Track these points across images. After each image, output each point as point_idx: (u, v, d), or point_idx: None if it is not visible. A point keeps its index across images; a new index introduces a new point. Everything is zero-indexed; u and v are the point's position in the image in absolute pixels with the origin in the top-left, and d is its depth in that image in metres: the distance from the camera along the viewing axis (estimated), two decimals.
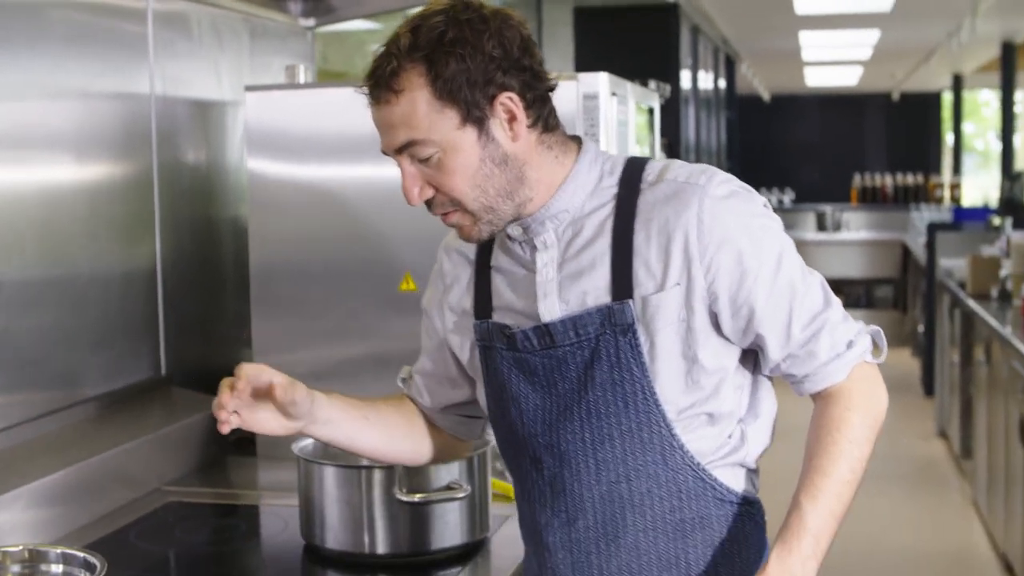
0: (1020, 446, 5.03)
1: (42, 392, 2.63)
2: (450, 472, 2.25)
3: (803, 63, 14.33)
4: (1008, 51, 14.04)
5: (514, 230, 1.91)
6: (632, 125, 3.19)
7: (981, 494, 6.39)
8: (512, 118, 1.82)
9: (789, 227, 2.37)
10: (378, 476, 2.23)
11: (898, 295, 14.14)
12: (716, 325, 1.86)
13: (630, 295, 1.84)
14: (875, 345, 1.94)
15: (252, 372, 1.88)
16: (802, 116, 17.57)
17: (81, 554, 2.00)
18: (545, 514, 1.95)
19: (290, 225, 2.99)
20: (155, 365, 3.01)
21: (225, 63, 3.36)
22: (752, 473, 1.96)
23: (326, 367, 2.97)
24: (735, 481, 1.92)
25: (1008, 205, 10.22)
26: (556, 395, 1.90)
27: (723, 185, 1.85)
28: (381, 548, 2.28)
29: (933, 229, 8.77)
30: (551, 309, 1.88)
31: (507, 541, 2.39)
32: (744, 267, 1.82)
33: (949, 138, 19.92)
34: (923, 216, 12.64)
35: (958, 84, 18.89)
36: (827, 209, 15.01)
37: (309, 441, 2.37)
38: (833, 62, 14.69)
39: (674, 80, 8.38)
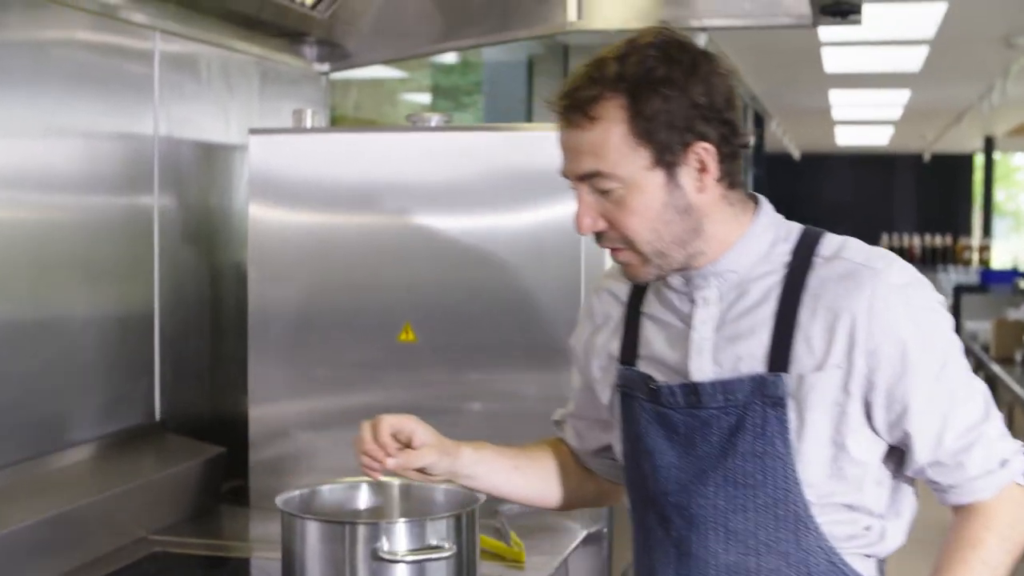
0: None
1: (31, 435, 2.58)
2: (436, 530, 2.18)
3: (833, 122, 14.31)
4: None
5: (675, 280, 1.88)
6: None
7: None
8: (703, 169, 1.79)
9: None
10: (362, 532, 2.16)
11: None
12: (868, 415, 1.81)
13: (786, 368, 1.79)
14: None
15: (397, 425, 1.96)
16: (832, 175, 17.55)
17: None
18: (668, 574, 1.90)
19: (290, 271, 2.95)
20: (149, 410, 2.96)
21: (235, 106, 3.33)
22: (881, 563, 1.91)
23: (322, 416, 2.92)
24: (865, 567, 1.87)
25: None
26: (694, 456, 1.86)
27: (901, 273, 1.82)
28: None
29: (959, 291, 8.71)
30: (703, 369, 1.84)
31: None
32: (907, 362, 1.78)
33: (979, 200, 19.83)
34: (950, 278, 12.57)
35: (989, 146, 18.83)
36: None
37: (295, 493, 2.31)
38: (863, 121, 14.66)
39: None
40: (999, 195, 27.22)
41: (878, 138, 16.31)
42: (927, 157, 18.60)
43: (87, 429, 2.74)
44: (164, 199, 3.00)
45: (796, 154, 16.47)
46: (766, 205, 1.90)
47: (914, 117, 15.11)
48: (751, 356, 1.82)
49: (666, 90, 1.73)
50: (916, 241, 16.39)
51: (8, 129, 2.50)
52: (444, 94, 9.53)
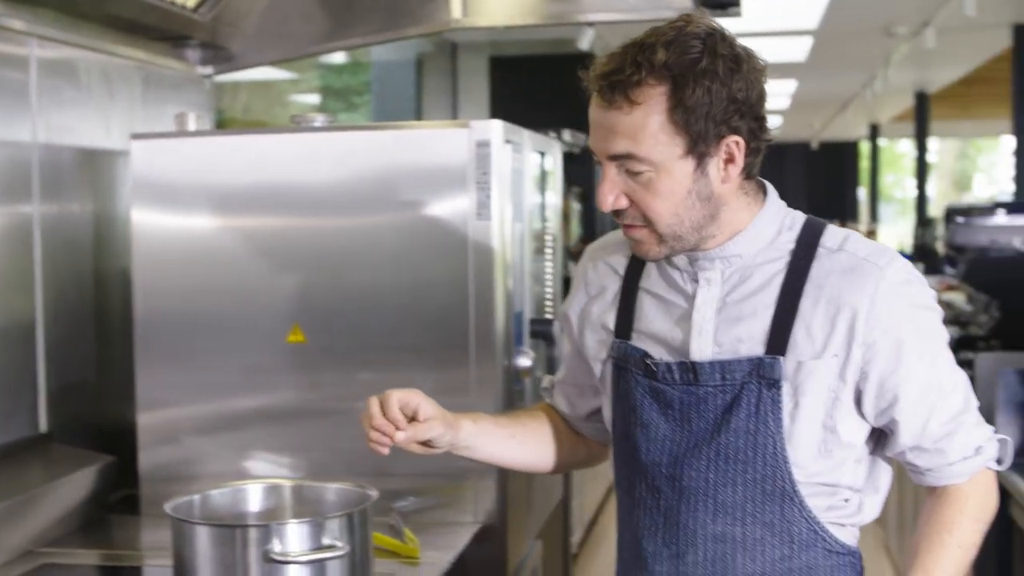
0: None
1: None
2: (329, 530, 2.17)
3: None
4: (921, 101, 14.27)
5: (680, 260, 1.93)
6: (529, 173, 3.15)
7: (892, 538, 6.39)
8: (730, 160, 1.84)
9: None
10: (254, 535, 2.15)
11: None
12: (858, 401, 1.89)
13: (783, 352, 1.85)
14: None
15: (404, 399, 1.98)
16: None
17: None
18: (654, 543, 1.96)
19: (176, 276, 2.92)
20: (34, 422, 2.91)
21: (116, 111, 3.29)
22: (856, 528, 1.98)
23: (212, 421, 2.90)
24: (844, 534, 1.94)
25: (920, 250, 10.34)
26: (688, 431, 1.91)
27: (901, 271, 1.87)
28: None
29: None
30: (703, 348, 1.90)
31: None
32: (901, 356, 1.85)
33: (866, 186, 20.16)
34: None
35: (875, 133, 19.18)
36: None
37: (186, 499, 2.29)
38: None
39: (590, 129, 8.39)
40: (885, 180, 27.73)
41: None
42: (815, 145, 18.89)
43: None
44: (45, 207, 2.95)
45: None
46: (773, 194, 1.96)
47: (801, 106, 15.35)
48: (751, 338, 1.88)
49: (708, 82, 1.77)
50: None
51: None
52: (334, 95, 9.48)
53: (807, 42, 9.89)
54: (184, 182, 2.91)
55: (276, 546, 2.13)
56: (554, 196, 3.56)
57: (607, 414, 2.05)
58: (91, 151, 3.18)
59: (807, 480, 1.88)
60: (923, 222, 10.97)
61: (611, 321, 2.02)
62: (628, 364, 1.97)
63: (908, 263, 1.92)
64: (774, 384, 1.85)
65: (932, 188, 16.85)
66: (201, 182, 2.91)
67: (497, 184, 2.81)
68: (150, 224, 2.92)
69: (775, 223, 1.92)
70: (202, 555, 2.17)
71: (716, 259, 1.91)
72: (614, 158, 1.82)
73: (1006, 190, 9.05)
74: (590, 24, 7.12)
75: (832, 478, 1.90)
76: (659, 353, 1.94)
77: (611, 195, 1.85)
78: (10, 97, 2.86)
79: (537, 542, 3.29)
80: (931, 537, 1.91)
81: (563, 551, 4.00)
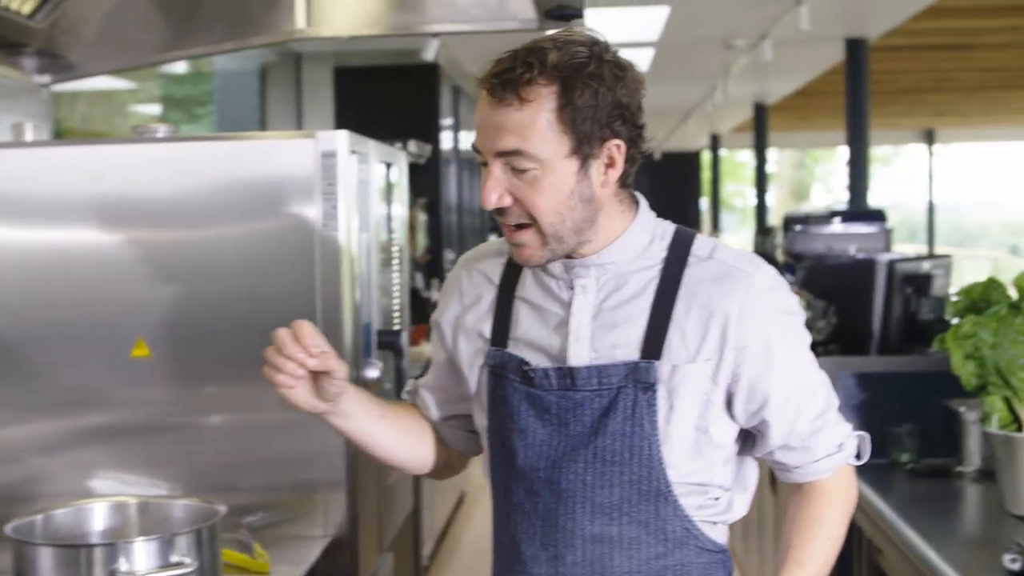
0: (771, 494, 5.15)
1: None
2: (177, 547, 2.14)
3: None
4: (760, 112, 14.59)
5: (556, 268, 1.97)
6: (375, 183, 3.15)
7: (737, 541, 6.51)
8: (611, 165, 1.89)
9: None
10: (99, 554, 2.11)
11: None
12: (728, 403, 1.95)
13: (658, 357, 1.91)
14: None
15: (312, 332, 1.94)
16: None
17: None
18: (532, 546, 1.98)
19: (13, 291, 2.84)
20: None
21: None
22: (725, 526, 2.04)
23: (54, 439, 2.82)
24: (715, 533, 1.99)
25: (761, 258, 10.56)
26: (566, 435, 1.94)
27: (768, 278, 1.94)
28: None
29: None
30: (580, 354, 1.94)
31: None
32: (770, 358, 1.93)
33: (708, 195, 20.54)
34: None
35: (716, 143, 19.56)
36: None
37: (25, 520, 2.24)
38: None
39: (435, 140, 8.41)
40: (726, 190, 28.28)
41: None
42: (658, 155, 19.20)
43: None
44: None
45: None
46: (644, 204, 2.01)
47: (644, 117, 15.57)
48: (626, 344, 1.92)
49: (596, 85, 1.83)
50: None
51: None
52: (176, 105, 9.33)
53: (648, 54, 10.05)
54: (22, 193, 2.84)
55: (123, 565, 2.09)
56: (400, 207, 3.56)
57: (481, 422, 2.07)
58: None
59: (680, 480, 1.93)
60: (763, 230, 11.21)
61: (487, 329, 2.04)
62: (505, 371, 2.00)
63: (774, 270, 1.98)
64: (650, 387, 1.90)
65: (771, 197, 17.23)
66: (40, 194, 2.84)
67: (343, 195, 2.80)
68: None
69: (647, 232, 1.98)
70: None
71: (592, 266, 1.95)
72: (501, 154, 1.86)
73: (842, 199, 9.32)
74: (435, 35, 7.14)
75: (704, 477, 1.96)
76: (536, 360, 1.97)
77: (495, 192, 1.88)
78: None
79: (388, 555, 3.28)
80: (802, 532, 2.00)
81: (415, 563, 4.00)
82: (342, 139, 2.81)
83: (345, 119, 8.30)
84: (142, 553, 2.11)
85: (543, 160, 1.84)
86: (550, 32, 1.92)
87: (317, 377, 1.96)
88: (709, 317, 1.91)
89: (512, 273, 2.06)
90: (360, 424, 2.08)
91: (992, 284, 3.04)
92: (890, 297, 4.04)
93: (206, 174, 2.83)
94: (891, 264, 4.07)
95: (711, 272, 1.94)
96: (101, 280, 2.82)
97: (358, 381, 2.90)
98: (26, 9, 3.20)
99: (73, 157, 2.88)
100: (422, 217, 8.06)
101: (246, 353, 2.79)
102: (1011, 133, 21.73)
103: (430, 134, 8.41)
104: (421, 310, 7.88)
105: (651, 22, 8.58)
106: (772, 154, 17.63)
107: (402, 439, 2.16)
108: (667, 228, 2.01)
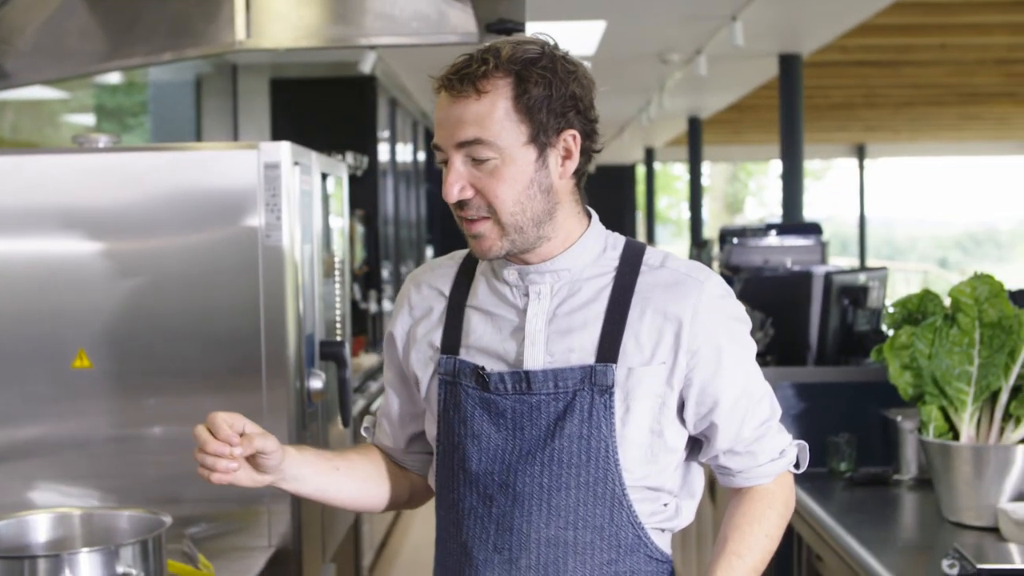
0: (710, 504, 5.18)
1: None
2: (122, 558, 2.13)
3: None
4: (694, 126, 14.69)
5: (511, 275, 2.00)
6: (317, 195, 3.15)
7: (676, 550, 6.55)
8: (568, 156, 1.94)
9: None
10: (43, 566, 2.10)
11: None
12: (680, 408, 2.00)
13: (614, 360, 1.94)
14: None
15: (229, 419, 1.91)
16: None
17: None
18: (485, 550, 2.00)
19: None
20: None
21: None
22: (670, 535, 2.07)
23: None
24: (662, 542, 2.03)
25: None
26: (521, 439, 1.97)
27: (719, 286, 2.01)
28: None
29: None
30: (536, 358, 1.96)
31: None
32: (720, 362, 1.98)
33: (643, 208, 20.67)
34: None
35: (650, 157, 19.67)
36: None
37: None
38: None
39: (372, 152, 8.40)
40: (661, 203, 28.45)
41: None
42: (592, 168, 19.29)
43: None
44: None
45: None
46: (596, 216, 2.06)
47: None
48: (582, 348, 1.96)
49: (550, 77, 1.90)
50: None
51: None
52: (108, 115, 9.25)
53: (580, 65, 10.09)
54: None
55: None
56: (340, 219, 3.56)
57: (431, 431, 2.08)
58: None
59: (635, 484, 1.96)
60: (698, 243, 11.28)
61: (438, 339, 2.06)
62: (458, 378, 2.01)
63: (722, 279, 2.04)
64: (606, 390, 1.94)
65: (705, 211, 17.37)
66: None
67: (287, 206, 2.80)
68: None
69: (600, 241, 2.03)
70: None
71: (546, 272, 1.99)
72: (462, 145, 1.90)
73: (775, 212, 9.41)
74: (372, 48, 7.13)
75: (657, 482, 1.99)
76: (490, 366, 2.00)
77: (457, 185, 1.91)
78: None
79: (331, 565, 3.28)
80: (741, 527, 2.03)
81: (355, 573, 3.99)
82: (285, 150, 2.82)
83: (282, 131, 8.26)
84: (87, 564, 2.10)
85: (502, 148, 1.89)
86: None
87: (251, 456, 1.94)
88: (663, 321, 1.95)
89: (463, 284, 2.08)
90: (314, 484, 2.07)
91: (928, 296, 3.09)
92: (827, 309, 4.09)
93: (148, 185, 2.82)
94: (828, 276, 4.12)
95: (663, 279, 1.99)
96: (42, 291, 2.80)
97: (302, 392, 2.89)
98: None
99: (11, 167, 2.86)
100: (359, 229, 8.05)
101: (189, 364, 2.79)
102: (939, 149, 22.02)
103: (367, 146, 8.39)
104: (360, 322, 7.87)
105: (588, 36, 8.62)
106: (706, 167, 17.76)
107: (361, 486, 2.16)
108: (618, 239, 2.06)
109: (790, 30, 8.69)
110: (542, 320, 1.98)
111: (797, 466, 2.10)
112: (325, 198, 3.41)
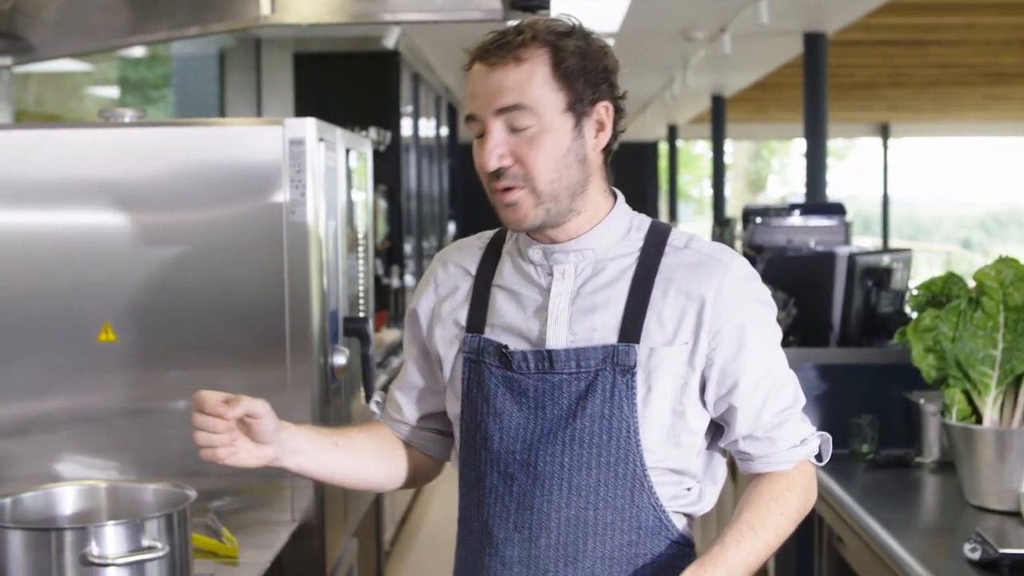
0: (733, 490, 5.18)
1: None
2: (147, 531, 2.14)
3: None
4: (718, 103, 14.65)
5: (535, 254, 2.01)
6: (342, 171, 3.15)
7: (697, 536, 6.55)
8: (601, 128, 1.97)
9: None
10: (69, 538, 2.10)
11: None
12: (701, 390, 1.99)
13: (636, 340, 1.94)
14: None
15: (213, 395, 1.91)
16: None
17: None
18: (505, 528, 1.99)
19: None
20: None
21: None
22: (693, 520, 2.06)
23: (21, 423, 2.82)
24: (684, 526, 2.03)
25: None
26: (543, 418, 1.97)
27: (744, 267, 2.01)
28: None
29: None
30: (558, 337, 1.97)
31: None
32: (743, 343, 1.97)
33: (665, 185, 20.62)
34: None
35: (673, 134, 19.62)
36: None
37: None
38: None
39: (395, 127, 8.40)
40: (683, 180, 28.38)
41: None
42: (615, 145, 19.26)
43: None
44: None
45: None
46: (622, 197, 2.07)
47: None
48: (604, 327, 1.96)
49: (584, 48, 1.94)
50: None
51: None
52: (132, 88, 9.26)
53: (609, 44, 10.07)
54: None
55: (93, 549, 2.09)
56: (365, 194, 3.56)
57: (454, 410, 2.08)
58: None
59: (656, 465, 1.96)
60: (721, 222, 11.27)
61: (463, 317, 2.06)
62: (482, 357, 2.02)
63: (747, 262, 2.04)
64: (628, 370, 1.93)
65: (727, 189, 17.32)
66: (2, 177, 2.82)
67: (311, 182, 2.81)
68: None
69: (625, 221, 2.03)
70: (15, 561, 2.12)
71: (571, 252, 1.99)
72: (502, 112, 1.91)
73: (797, 191, 9.37)
74: (399, 23, 7.12)
75: (679, 464, 1.99)
76: (514, 344, 2.00)
77: (496, 151, 1.92)
78: None
79: (353, 540, 3.30)
80: (757, 503, 1.99)
81: (376, 548, 4.01)
82: (310, 126, 2.82)
83: (305, 105, 8.27)
84: (113, 537, 2.11)
85: (541, 115, 1.90)
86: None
87: (248, 430, 1.94)
88: (686, 301, 1.95)
89: (489, 263, 2.09)
90: (315, 458, 2.06)
91: (952, 279, 3.08)
92: (850, 290, 4.08)
93: (173, 159, 2.82)
94: (851, 257, 4.11)
95: (687, 260, 1.99)
96: (67, 264, 2.81)
97: (325, 368, 2.90)
98: None
99: (38, 140, 2.87)
100: (382, 204, 8.05)
101: (213, 339, 2.80)
102: (964, 129, 21.91)
103: (390, 121, 8.39)
104: (382, 297, 7.89)
105: (611, 13, 8.60)
106: (728, 145, 17.70)
107: (362, 463, 2.15)
108: (643, 220, 2.06)
109: (815, 8, 8.64)
110: (565, 299, 1.98)
111: (820, 458, 2.06)
112: (349, 173, 3.41)
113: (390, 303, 8.05)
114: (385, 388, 2.98)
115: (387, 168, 8.31)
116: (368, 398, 3.36)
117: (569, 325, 1.97)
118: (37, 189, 2.83)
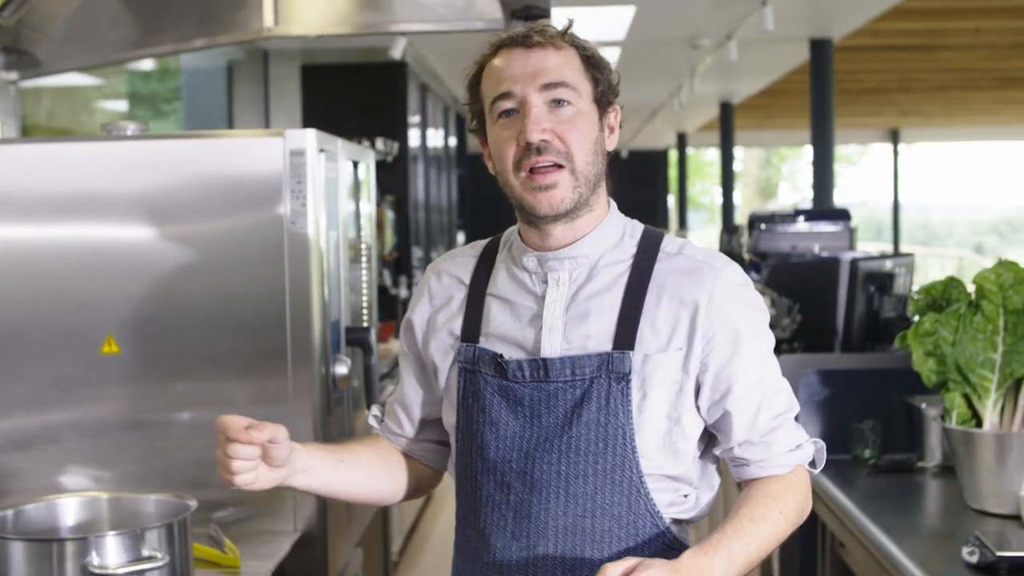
0: (735, 494, 5.19)
1: None
2: (148, 541, 2.16)
3: None
4: (726, 111, 14.65)
5: (530, 262, 2.03)
6: (343, 181, 3.17)
7: (693, 542, 6.56)
8: (612, 130, 2.04)
9: None
10: (71, 548, 2.12)
11: None
12: (696, 395, 2.00)
13: (631, 347, 1.96)
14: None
15: (238, 421, 1.91)
16: None
17: None
18: (503, 537, 2.01)
19: None
20: None
21: None
22: (690, 527, 2.07)
23: (25, 435, 2.84)
24: (681, 532, 2.03)
25: (728, 256, 10.61)
26: (539, 426, 1.98)
27: (736, 274, 2.02)
28: None
29: None
30: (553, 345, 1.98)
31: None
32: (736, 348, 1.98)
33: (675, 193, 20.61)
34: None
35: (682, 142, 19.63)
36: None
37: None
38: None
39: (402, 138, 8.42)
40: (694, 188, 28.38)
41: None
42: (625, 153, 19.26)
43: None
44: None
45: None
46: (614, 204, 2.10)
47: None
48: (599, 335, 1.97)
49: (599, 55, 2.02)
50: None
51: None
52: (142, 101, 9.30)
53: (615, 53, 10.09)
54: None
55: (94, 559, 2.11)
56: (368, 205, 3.58)
57: (450, 420, 2.09)
58: None
59: (653, 472, 1.97)
60: (729, 229, 11.25)
61: (457, 327, 2.08)
62: (477, 366, 2.03)
63: (740, 268, 2.05)
64: (623, 378, 1.94)
65: (738, 196, 17.33)
66: (8, 191, 2.85)
67: (312, 193, 2.82)
68: None
69: (619, 227, 2.06)
70: (17, 571, 2.13)
71: (565, 259, 2.01)
72: (546, 87, 1.95)
73: (808, 197, 9.39)
74: (402, 34, 7.15)
75: (676, 471, 1.99)
76: (509, 353, 2.01)
77: (540, 124, 1.94)
78: None
79: (357, 550, 3.31)
80: (756, 499, 1.98)
81: (383, 559, 4.02)
82: (311, 137, 2.84)
83: (312, 116, 8.31)
84: (113, 547, 2.12)
85: (580, 97, 1.96)
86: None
87: (264, 454, 1.95)
88: (679, 307, 1.96)
89: (483, 272, 2.10)
90: (321, 475, 2.07)
91: (952, 283, 3.08)
92: (853, 295, 4.09)
93: (175, 172, 2.84)
94: (854, 263, 4.12)
95: (680, 266, 2.00)
96: (71, 277, 2.83)
97: (327, 378, 2.92)
98: None
99: (42, 154, 2.90)
100: (389, 215, 8.08)
101: (216, 350, 2.82)
102: (974, 133, 21.90)
103: (397, 132, 8.42)
104: (389, 307, 7.91)
105: (617, 22, 8.62)
106: (738, 152, 17.72)
107: (368, 477, 2.16)
108: (636, 226, 2.08)
109: (820, 15, 8.66)
110: (560, 307, 1.99)
111: (814, 465, 2.06)
112: (356, 184, 3.43)
113: (398, 313, 8.08)
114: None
115: (395, 179, 8.35)
116: (371, 407, 3.37)
117: (564, 333, 1.98)
118: (41, 203, 2.85)
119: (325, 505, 2.84)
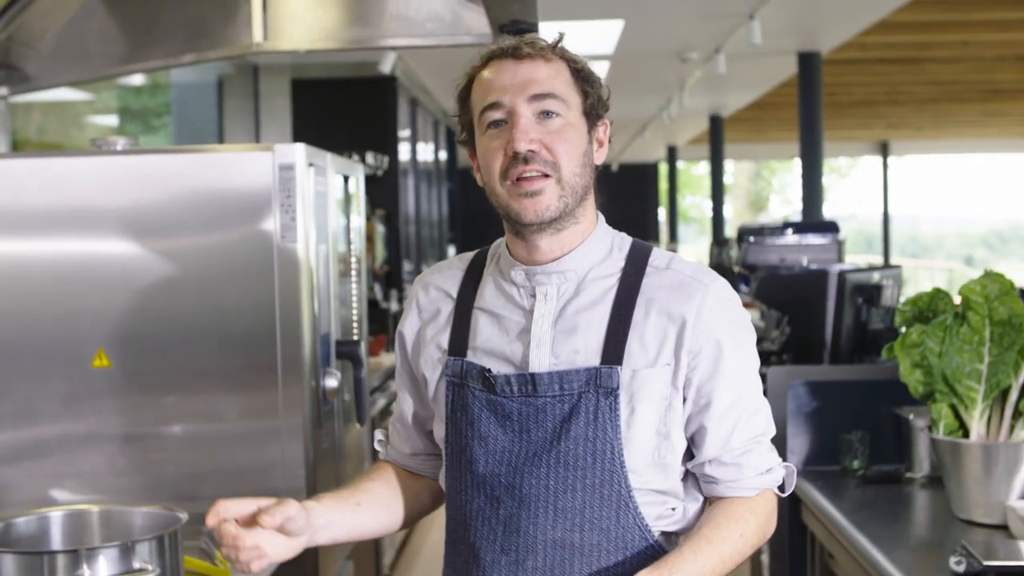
0: None
1: None
2: (139, 554, 2.17)
3: None
4: (716, 124, 14.69)
5: (518, 276, 2.03)
6: (332, 196, 3.18)
7: None
8: (601, 144, 2.05)
9: None
10: (62, 561, 2.12)
11: None
12: (681, 408, 2.00)
13: (619, 362, 1.95)
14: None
15: (234, 506, 1.93)
16: None
17: None
18: (492, 551, 2.00)
19: None
20: None
21: None
22: (678, 538, 2.05)
23: (15, 449, 2.85)
24: (669, 545, 2.02)
25: (717, 269, 10.62)
26: (527, 441, 1.98)
27: (724, 289, 2.03)
28: None
29: None
30: (541, 360, 1.98)
31: None
32: (720, 364, 1.98)
33: (665, 206, 20.65)
34: None
35: (672, 155, 19.67)
36: None
37: None
38: None
39: (392, 152, 8.44)
40: (684, 201, 28.42)
41: None
42: (615, 167, 19.30)
43: None
44: None
45: None
46: (602, 217, 2.10)
47: None
48: (587, 349, 1.97)
49: (589, 70, 2.03)
50: None
51: None
52: (132, 116, 9.30)
53: (604, 66, 10.12)
54: None
55: (85, 572, 2.11)
56: (358, 219, 3.59)
57: (440, 433, 2.09)
58: None
59: (641, 486, 1.97)
60: (719, 242, 11.29)
61: (445, 340, 2.08)
62: (465, 380, 2.03)
63: (728, 284, 2.05)
64: (611, 392, 1.94)
65: (729, 209, 17.37)
66: None
67: (301, 207, 2.84)
68: None
69: (607, 241, 2.06)
70: None
71: (553, 273, 2.01)
72: (535, 98, 1.95)
73: (798, 210, 9.44)
74: (391, 49, 7.17)
75: (664, 486, 1.99)
76: (497, 368, 2.01)
77: (528, 134, 1.95)
78: None
79: (348, 563, 3.32)
80: (717, 519, 1.99)
81: (375, 572, 4.03)
82: (300, 152, 2.85)
83: (303, 131, 8.32)
84: (104, 560, 2.13)
85: (569, 109, 1.97)
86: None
87: (282, 528, 1.96)
88: (667, 322, 1.97)
89: (470, 285, 2.10)
90: (344, 526, 2.09)
91: (938, 294, 3.10)
92: (841, 307, 4.11)
93: (165, 186, 2.86)
94: (842, 275, 4.14)
95: (668, 281, 2.00)
96: (62, 291, 2.84)
97: (317, 391, 2.93)
98: None
99: (33, 169, 2.91)
100: (380, 229, 8.09)
101: (206, 363, 2.83)
102: (963, 145, 21.96)
103: (387, 146, 8.44)
104: (379, 321, 7.91)
105: (606, 36, 8.64)
106: (728, 165, 17.76)
107: (387, 511, 2.18)
108: (624, 239, 2.08)
109: (808, 28, 8.70)
110: (548, 321, 1.99)
111: (782, 489, 2.07)
112: (346, 198, 3.45)
113: (388, 327, 8.08)
114: (384, 412, 3.01)
115: (385, 193, 8.36)
116: (361, 421, 3.38)
117: (552, 348, 1.98)
118: (32, 217, 2.86)
119: None
